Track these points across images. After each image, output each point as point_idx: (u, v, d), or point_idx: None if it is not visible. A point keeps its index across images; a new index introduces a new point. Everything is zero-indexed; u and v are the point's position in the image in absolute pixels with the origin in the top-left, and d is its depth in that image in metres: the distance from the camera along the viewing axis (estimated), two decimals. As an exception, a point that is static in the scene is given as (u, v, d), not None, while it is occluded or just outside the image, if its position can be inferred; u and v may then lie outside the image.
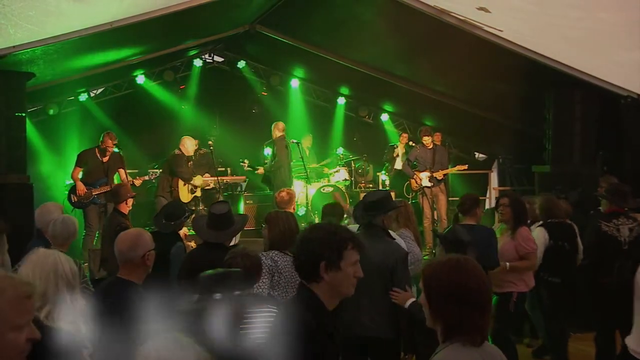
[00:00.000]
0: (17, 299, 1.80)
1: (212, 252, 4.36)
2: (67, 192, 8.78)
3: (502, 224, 5.76)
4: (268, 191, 10.67)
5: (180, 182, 9.33)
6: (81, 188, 8.53)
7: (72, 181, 8.79)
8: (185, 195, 9.28)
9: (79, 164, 8.72)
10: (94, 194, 8.61)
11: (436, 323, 2.21)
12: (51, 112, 10.84)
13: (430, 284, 2.20)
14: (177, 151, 9.45)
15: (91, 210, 8.59)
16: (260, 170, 10.23)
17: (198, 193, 9.58)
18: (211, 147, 10.04)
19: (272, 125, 10.04)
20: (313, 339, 2.35)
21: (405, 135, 12.05)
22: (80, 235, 8.41)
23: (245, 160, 10.24)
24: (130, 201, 6.61)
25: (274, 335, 2.49)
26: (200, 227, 4.74)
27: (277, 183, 9.58)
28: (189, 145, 9.47)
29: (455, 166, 10.26)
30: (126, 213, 6.56)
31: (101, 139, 8.77)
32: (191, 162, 9.56)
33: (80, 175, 8.67)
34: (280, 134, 9.92)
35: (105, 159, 8.72)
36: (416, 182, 9.86)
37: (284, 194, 6.27)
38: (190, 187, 9.42)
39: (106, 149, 8.69)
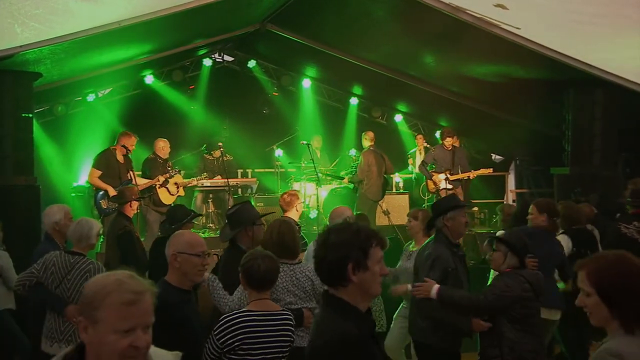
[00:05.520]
0: (119, 304, 1.84)
1: (230, 253, 4.60)
2: (94, 198, 8.10)
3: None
4: (279, 193, 10.48)
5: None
6: (113, 192, 7.89)
7: (83, 184, 8.43)
8: (165, 197, 8.83)
9: (98, 166, 8.10)
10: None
11: (613, 319, 2.29)
12: (59, 112, 10.71)
13: (612, 283, 2.30)
14: (151, 155, 9.11)
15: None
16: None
17: (181, 192, 9.17)
18: (221, 149, 9.90)
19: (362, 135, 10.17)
20: (360, 349, 2.22)
21: (420, 136, 11.91)
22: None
23: (345, 178, 10.27)
24: (135, 204, 6.43)
25: (317, 355, 2.30)
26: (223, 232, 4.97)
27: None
28: (162, 148, 9.05)
29: (478, 169, 10.01)
30: (130, 216, 6.38)
31: (120, 137, 8.33)
32: (170, 164, 9.12)
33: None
34: (370, 143, 9.92)
35: (123, 160, 8.29)
36: (434, 183, 9.65)
37: (285, 195, 6.11)
38: (168, 189, 8.92)
39: (126, 149, 8.22)
